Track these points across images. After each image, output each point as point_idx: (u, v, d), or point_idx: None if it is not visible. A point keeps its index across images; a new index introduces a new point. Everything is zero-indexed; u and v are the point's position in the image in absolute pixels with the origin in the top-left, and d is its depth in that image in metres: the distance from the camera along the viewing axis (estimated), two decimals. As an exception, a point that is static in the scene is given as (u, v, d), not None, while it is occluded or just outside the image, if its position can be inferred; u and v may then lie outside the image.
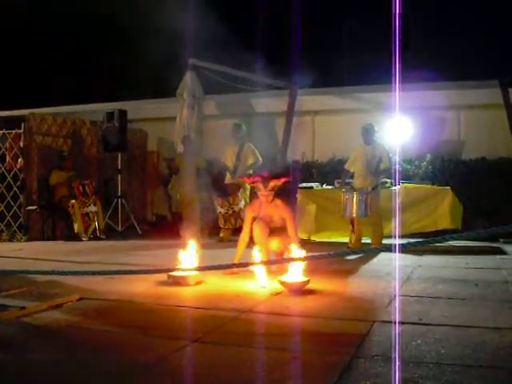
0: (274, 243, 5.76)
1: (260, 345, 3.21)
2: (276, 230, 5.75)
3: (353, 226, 7.84)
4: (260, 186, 5.69)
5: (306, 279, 4.72)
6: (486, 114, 9.73)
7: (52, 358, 3.00)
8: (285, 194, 6.17)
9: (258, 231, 5.67)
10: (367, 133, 7.93)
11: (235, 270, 5.41)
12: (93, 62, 17.43)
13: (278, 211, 5.72)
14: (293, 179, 6.10)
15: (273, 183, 5.66)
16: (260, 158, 9.23)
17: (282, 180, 5.76)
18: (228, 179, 9.14)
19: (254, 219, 5.77)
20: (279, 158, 10.22)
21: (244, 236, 5.77)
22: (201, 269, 5.15)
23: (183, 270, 5.05)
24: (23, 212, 9.52)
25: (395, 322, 3.49)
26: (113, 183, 10.69)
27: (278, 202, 5.73)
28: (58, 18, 16.71)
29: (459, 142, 10.15)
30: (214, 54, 10.06)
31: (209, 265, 4.77)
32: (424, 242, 3.55)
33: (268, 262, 4.96)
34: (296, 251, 4.83)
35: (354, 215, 7.59)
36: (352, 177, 8.13)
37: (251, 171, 9.10)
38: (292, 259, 4.86)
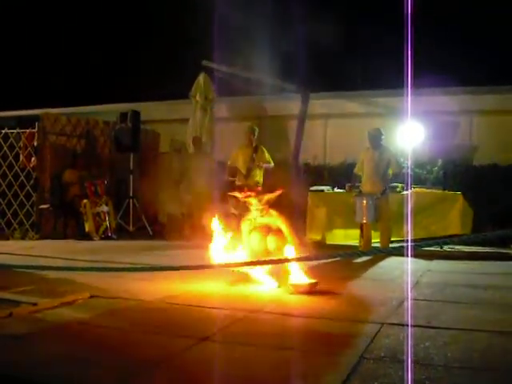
0: (271, 243, 5.34)
1: (268, 344, 3.22)
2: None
3: (362, 231, 7.85)
4: (253, 200, 5.35)
5: (315, 281, 4.74)
6: (499, 120, 9.70)
7: (63, 354, 3.04)
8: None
9: (256, 245, 5.37)
10: (374, 138, 7.93)
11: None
12: (107, 62, 17.55)
13: (273, 221, 5.37)
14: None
15: (267, 197, 5.34)
16: (272, 162, 9.22)
17: (276, 193, 5.40)
18: (240, 181, 9.14)
19: (250, 232, 5.45)
20: (291, 161, 10.23)
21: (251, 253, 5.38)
22: (208, 267, 5.16)
23: (191, 268, 5.06)
24: (36, 210, 9.59)
25: (404, 325, 3.50)
26: (125, 183, 10.76)
27: (273, 212, 5.39)
28: (73, 17, 16.84)
29: (471, 147, 10.11)
30: (227, 57, 10.11)
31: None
32: (431, 244, 3.56)
33: (276, 262, 4.94)
34: (292, 251, 4.80)
35: (365, 221, 7.62)
36: (360, 181, 8.14)
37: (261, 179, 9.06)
38: (299, 259, 4.88)
